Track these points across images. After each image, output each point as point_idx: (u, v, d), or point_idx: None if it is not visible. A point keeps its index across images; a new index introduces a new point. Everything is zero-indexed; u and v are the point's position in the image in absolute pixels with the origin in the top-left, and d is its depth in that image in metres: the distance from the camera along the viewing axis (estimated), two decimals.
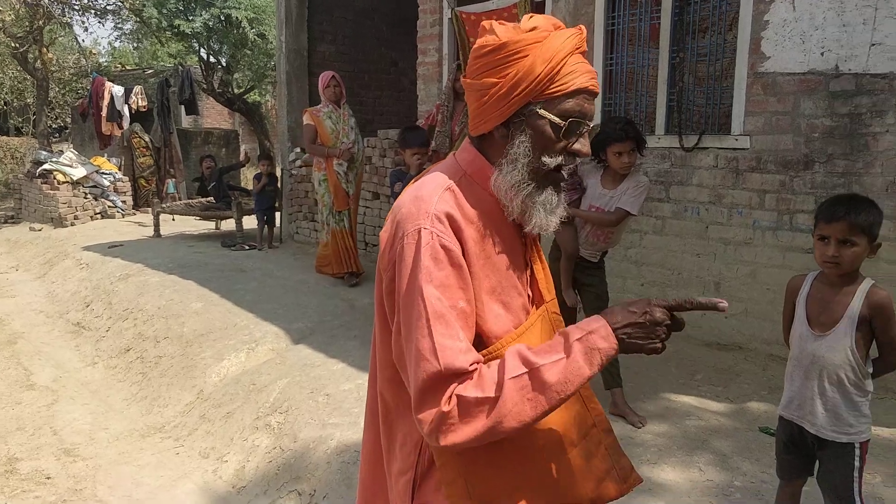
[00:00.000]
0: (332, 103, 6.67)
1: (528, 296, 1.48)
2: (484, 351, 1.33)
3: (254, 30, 14.60)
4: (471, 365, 1.23)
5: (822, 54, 4.12)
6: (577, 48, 1.33)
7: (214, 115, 23.61)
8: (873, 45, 3.92)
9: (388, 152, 7.47)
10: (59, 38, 19.87)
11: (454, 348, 1.22)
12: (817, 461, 2.46)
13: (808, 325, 2.33)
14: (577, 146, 1.34)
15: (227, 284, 6.93)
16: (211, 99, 18.27)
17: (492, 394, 1.19)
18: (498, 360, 1.25)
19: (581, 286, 3.89)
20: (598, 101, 5.30)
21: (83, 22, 19.01)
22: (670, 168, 4.91)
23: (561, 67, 1.30)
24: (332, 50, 9.51)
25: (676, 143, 4.83)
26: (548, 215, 1.36)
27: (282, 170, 9.38)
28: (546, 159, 1.33)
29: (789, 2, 4.21)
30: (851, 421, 2.29)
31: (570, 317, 3.95)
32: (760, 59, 4.39)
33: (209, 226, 11.05)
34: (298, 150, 9.04)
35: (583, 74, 1.31)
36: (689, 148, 4.76)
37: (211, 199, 10.46)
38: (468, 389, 1.20)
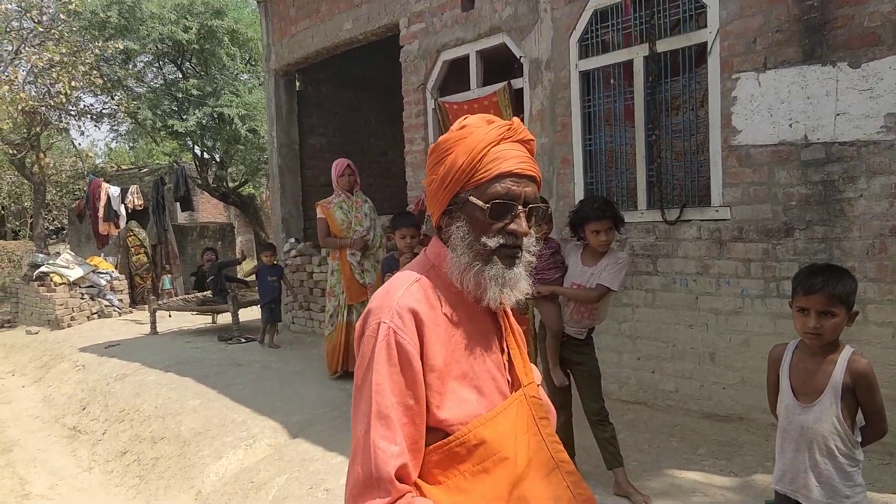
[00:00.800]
0: (344, 192, 6.49)
1: (508, 381, 1.52)
2: (451, 437, 1.38)
3: (245, 125, 14.99)
4: (398, 475, 1.29)
5: (790, 125, 4.27)
6: (504, 138, 1.44)
7: (210, 209, 23.97)
8: (838, 114, 4.07)
9: (381, 240, 7.57)
10: (56, 143, 20.34)
11: (387, 452, 1.29)
12: None
13: (793, 397, 2.34)
14: (512, 226, 1.42)
15: (225, 379, 6.90)
16: (206, 193, 18.58)
17: None
18: None
19: (571, 365, 3.89)
20: (580, 179, 5.46)
21: (79, 126, 19.63)
22: (655, 241, 5.00)
23: (483, 157, 1.42)
24: (322, 142, 9.78)
25: (659, 217, 4.93)
26: (500, 289, 1.43)
27: (277, 260, 9.47)
28: (486, 240, 1.42)
29: (754, 78, 4.39)
30: (847, 492, 2.28)
31: (563, 396, 3.95)
32: (733, 133, 4.54)
33: (206, 320, 11.07)
34: (293, 240, 9.16)
35: (507, 160, 1.42)
36: (671, 221, 4.86)
37: (208, 293, 10.51)
38: None
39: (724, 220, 4.63)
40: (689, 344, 4.87)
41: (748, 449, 4.29)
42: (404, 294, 1.40)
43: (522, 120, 5.93)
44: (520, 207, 1.42)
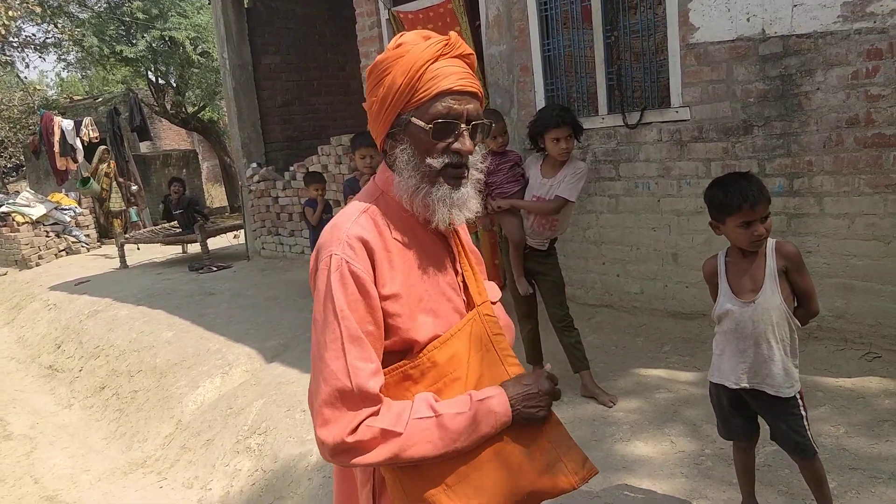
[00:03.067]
0: None
1: (464, 301, 1.54)
2: (404, 361, 1.42)
3: (197, 49, 14.43)
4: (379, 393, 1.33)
5: (748, 20, 4.19)
6: (441, 54, 1.40)
7: (173, 136, 23.33)
8: (795, 6, 3.99)
9: (343, 159, 7.47)
10: (1, 77, 19.48)
11: (367, 370, 1.31)
12: (771, 426, 2.52)
13: (735, 297, 2.41)
14: (456, 145, 1.40)
15: (198, 309, 6.91)
16: (165, 121, 18.06)
17: (399, 429, 1.30)
18: (406, 402, 1.36)
19: (535, 275, 3.94)
20: (541, 86, 5.36)
21: (24, 58, 18.63)
22: (617, 146, 4.97)
23: (421, 75, 1.38)
24: (277, 61, 9.45)
25: (620, 122, 4.88)
26: (449, 210, 1.42)
27: (241, 186, 9.33)
28: (430, 161, 1.40)
29: None
30: (794, 373, 2.40)
31: (529, 305, 4.02)
32: (691, 31, 4.45)
33: (177, 250, 10.98)
34: (255, 165, 8.99)
35: (447, 78, 1.38)
36: (632, 125, 4.82)
37: (176, 223, 10.36)
38: (381, 420, 1.31)
39: (684, 120, 4.59)
40: (652, 246, 4.93)
41: (710, 344, 4.37)
42: (352, 225, 1.40)
43: (479, 27, 5.77)
44: (463, 125, 1.40)
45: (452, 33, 1.45)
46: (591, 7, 4.99)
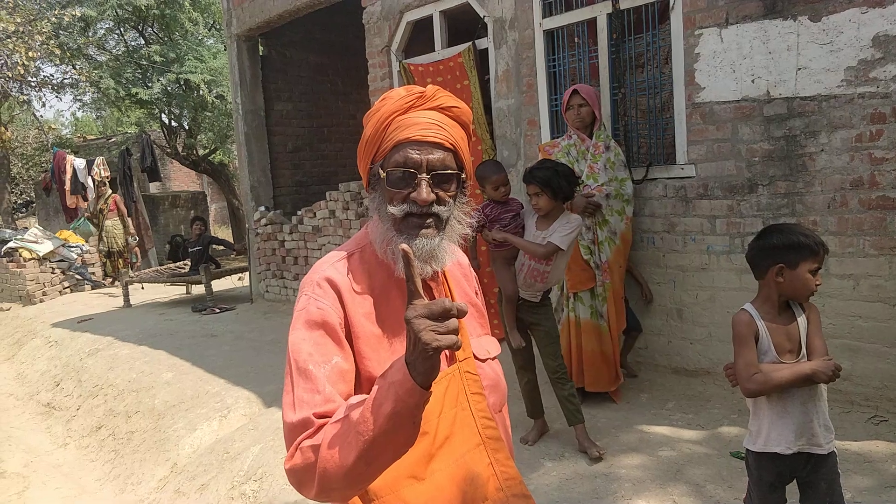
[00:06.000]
0: (577, 131, 4.52)
1: (446, 355, 1.47)
2: None
3: (212, 92, 14.71)
4: (319, 417, 1.26)
5: (752, 81, 4.26)
6: (412, 106, 1.40)
7: (182, 178, 23.59)
8: (799, 69, 4.06)
9: (351, 205, 7.52)
10: (18, 115, 19.80)
11: (312, 401, 1.27)
12: (807, 488, 2.42)
13: (779, 359, 2.33)
14: (413, 195, 1.38)
15: (199, 351, 6.88)
16: (176, 162, 18.29)
17: (319, 441, 1.21)
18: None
19: (530, 326, 3.98)
20: (547, 140, 5.42)
21: (41, 97, 18.89)
22: None
23: (386, 127, 1.40)
24: (289, 107, 9.61)
25: None
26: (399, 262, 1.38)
27: (248, 229, 9.38)
28: (391, 209, 1.40)
29: (717, 34, 4.36)
30: (831, 425, 2.37)
31: (525, 357, 4.02)
32: (696, 90, 4.53)
33: (181, 291, 10.98)
34: (263, 209, 9.06)
35: (409, 128, 1.38)
36: (638, 180, 4.86)
37: (185, 262, 10.38)
38: (307, 441, 1.23)
39: (690, 177, 4.64)
40: (656, 301, 4.92)
41: (715, 402, 4.38)
42: (328, 268, 1.43)
43: (489, 81, 5.87)
44: (422, 175, 1.37)
45: (431, 86, 1.45)
46: (598, 64, 5.09)
